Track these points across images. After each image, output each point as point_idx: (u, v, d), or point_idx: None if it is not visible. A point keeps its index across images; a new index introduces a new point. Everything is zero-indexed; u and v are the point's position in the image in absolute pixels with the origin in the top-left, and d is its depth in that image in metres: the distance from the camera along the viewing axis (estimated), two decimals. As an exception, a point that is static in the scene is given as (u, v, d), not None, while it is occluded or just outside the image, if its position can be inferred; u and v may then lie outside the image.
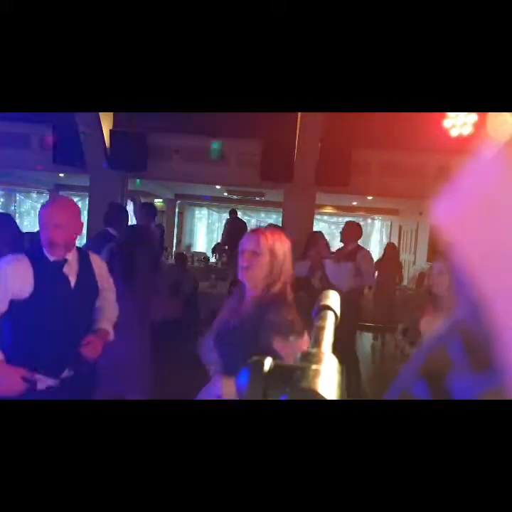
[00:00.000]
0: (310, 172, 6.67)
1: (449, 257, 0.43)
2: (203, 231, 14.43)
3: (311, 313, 0.55)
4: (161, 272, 4.84)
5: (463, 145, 5.48)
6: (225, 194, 11.18)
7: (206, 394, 1.90)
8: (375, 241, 13.37)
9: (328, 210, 12.23)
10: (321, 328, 0.48)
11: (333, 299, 0.56)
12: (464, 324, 0.48)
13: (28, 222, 13.09)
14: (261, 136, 6.97)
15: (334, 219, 13.27)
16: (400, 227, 11.97)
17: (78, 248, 2.27)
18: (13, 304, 2.03)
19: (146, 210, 5.10)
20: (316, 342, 0.45)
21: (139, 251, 3.49)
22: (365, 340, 7.77)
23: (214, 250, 10.35)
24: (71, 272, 2.17)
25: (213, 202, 12.78)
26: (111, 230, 4.02)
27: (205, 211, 14.45)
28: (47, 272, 2.09)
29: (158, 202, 12.42)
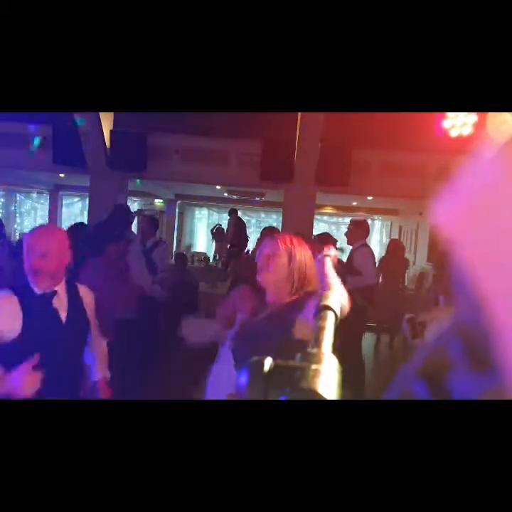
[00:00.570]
0: (310, 172, 6.67)
1: (449, 258, 0.43)
2: (203, 231, 14.42)
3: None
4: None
5: (463, 145, 5.49)
6: (225, 194, 11.18)
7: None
8: (375, 241, 13.35)
9: (328, 210, 12.23)
10: (321, 328, 0.48)
11: (333, 299, 0.56)
12: (464, 324, 0.48)
13: (29, 223, 13.10)
14: (261, 136, 6.97)
15: (334, 219, 13.27)
16: (400, 228, 11.97)
17: (67, 280, 2.10)
18: (6, 338, 1.86)
19: (148, 223, 5.16)
20: (316, 342, 0.45)
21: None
22: (368, 341, 7.76)
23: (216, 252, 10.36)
24: (61, 305, 2.00)
25: (210, 202, 12.78)
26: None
27: (205, 211, 14.45)
28: (35, 307, 1.91)
29: (158, 202, 12.43)
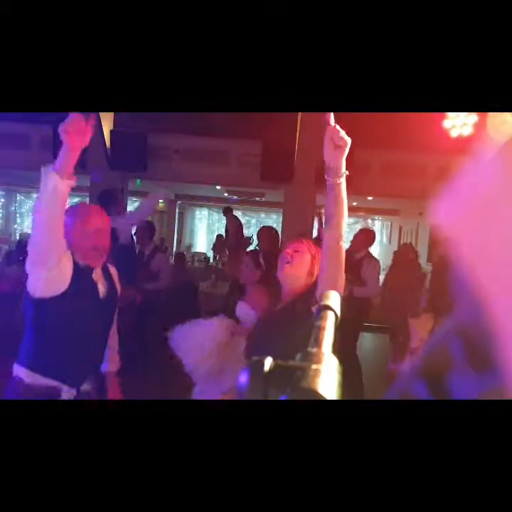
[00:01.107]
0: (310, 172, 6.66)
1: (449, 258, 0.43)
2: (204, 231, 14.42)
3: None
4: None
5: (463, 145, 5.48)
6: (225, 194, 11.18)
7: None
8: (375, 241, 13.34)
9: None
10: (322, 328, 0.48)
11: (333, 299, 0.56)
12: (464, 324, 0.48)
13: (29, 223, 13.10)
14: (261, 136, 6.96)
15: (334, 219, 13.24)
16: (400, 228, 11.97)
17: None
18: (41, 302, 1.89)
19: (143, 229, 5.06)
20: (316, 342, 0.45)
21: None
22: (369, 341, 7.74)
23: (214, 248, 10.35)
24: (99, 280, 2.05)
25: (210, 202, 12.78)
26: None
27: (205, 211, 14.46)
28: (78, 275, 1.95)
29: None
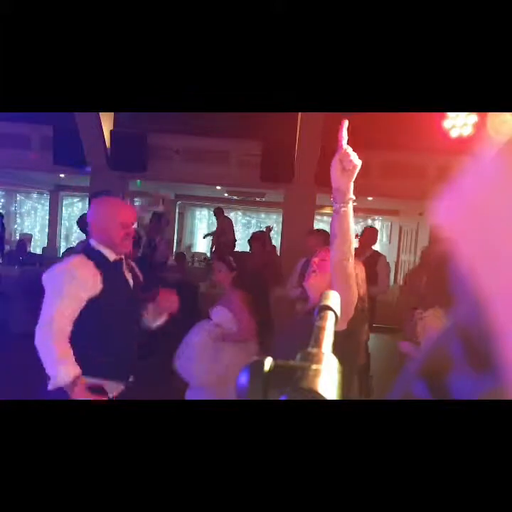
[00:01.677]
0: (310, 172, 6.67)
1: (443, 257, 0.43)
2: (204, 231, 14.43)
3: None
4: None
5: (463, 146, 5.49)
6: (225, 195, 11.18)
7: None
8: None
9: (328, 210, 12.23)
10: (322, 328, 0.48)
11: (333, 299, 0.56)
12: (464, 324, 0.48)
13: (29, 223, 13.11)
14: (261, 136, 6.97)
15: (334, 219, 13.24)
16: (400, 228, 11.97)
17: None
18: (85, 307, 1.98)
19: (157, 221, 5.19)
20: (316, 342, 0.45)
21: None
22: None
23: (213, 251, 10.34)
24: (127, 271, 2.18)
25: (210, 202, 12.78)
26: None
27: (205, 212, 14.46)
28: (111, 273, 2.07)
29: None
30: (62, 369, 1.87)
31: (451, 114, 5.97)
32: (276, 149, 6.90)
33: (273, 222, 12.06)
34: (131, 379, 2.14)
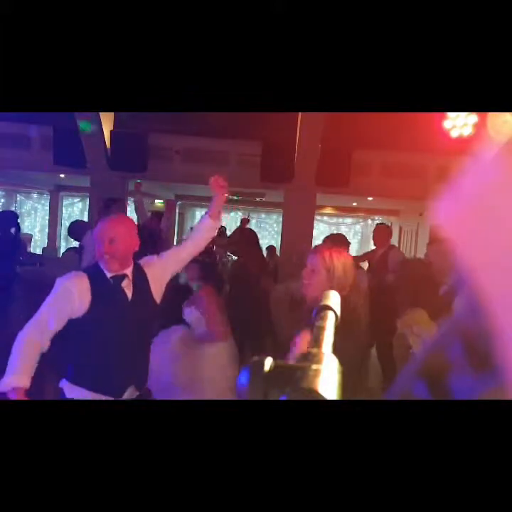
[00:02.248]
0: (310, 172, 6.66)
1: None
2: (203, 232, 14.40)
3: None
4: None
5: (463, 146, 5.48)
6: (225, 195, 11.16)
7: None
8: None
9: (328, 210, 12.22)
10: (322, 328, 0.48)
11: (333, 299, 0.56)
12: (463, 324, 0.48)
13: (29, 223, 13.10)
14: (261, 136, 6.97)
15: (334, 220, 13.25)
16: (401, 228, 11.97)
17: (135, 263, 2.27)
18: (71, 323, 2.05)
19: (157, 221, 5.26)
20: (316, 342, 0.45)
21: None
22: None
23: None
24: (128, 286, 2.20)
25: (208, 203, 12.76)
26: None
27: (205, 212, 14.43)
28: (105, 288, 2.12)
29: (158, 203, 12.42)
30: (9, 374, 1.91)
31: (451, 115, 5.97)
32: (276, 149, 6.90)
33: (273, 222, 12.06)
34: (128, 395, 2.10)
